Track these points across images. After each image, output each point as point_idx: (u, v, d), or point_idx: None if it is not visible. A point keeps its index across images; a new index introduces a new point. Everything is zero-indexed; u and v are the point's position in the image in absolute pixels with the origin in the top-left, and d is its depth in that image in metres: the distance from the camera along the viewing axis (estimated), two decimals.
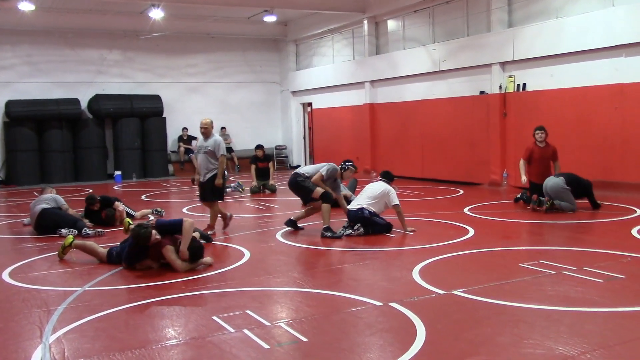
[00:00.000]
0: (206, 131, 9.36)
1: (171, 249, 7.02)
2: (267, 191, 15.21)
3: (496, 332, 4.75)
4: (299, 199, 10.23)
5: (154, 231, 7.03)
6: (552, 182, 10.63)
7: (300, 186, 9.29)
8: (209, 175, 9.32)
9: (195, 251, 7.13)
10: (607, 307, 5.28)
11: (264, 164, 15.46)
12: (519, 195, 11.62)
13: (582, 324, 4.90)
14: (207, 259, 7.33)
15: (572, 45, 13.09)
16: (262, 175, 15.40)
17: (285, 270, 7.09)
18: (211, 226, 9.42)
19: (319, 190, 9.06)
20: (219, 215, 9.56)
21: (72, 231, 9.64)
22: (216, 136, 9.43)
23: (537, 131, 11.30)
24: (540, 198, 10.66)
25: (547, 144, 11.30)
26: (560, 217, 10.16)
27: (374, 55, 19.24)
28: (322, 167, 9.35)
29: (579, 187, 10.67)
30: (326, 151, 21.62)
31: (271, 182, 15.40)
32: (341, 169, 9.56)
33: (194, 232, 7.44)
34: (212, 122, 9.53)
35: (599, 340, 4.50)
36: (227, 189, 12.07)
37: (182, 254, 7.01)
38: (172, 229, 7.23)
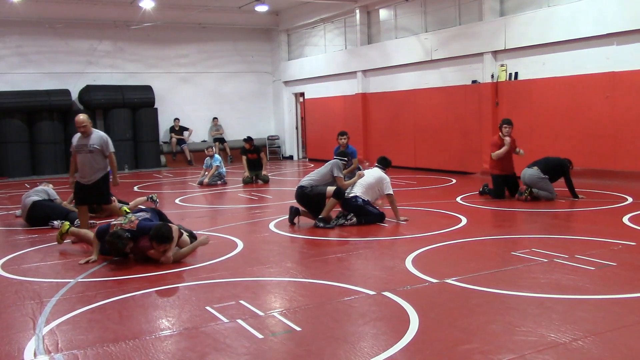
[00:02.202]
0: (86, 129, 8.40)
1: (155, 254, 7.00)
2: (260, 181, 15.20)
3: (489, 320, 4.78)
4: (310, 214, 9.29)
5: (130, 243, 6.97)
6: (528, 174, 10.64)
7: (310, 196, 9.07)
8: (98, 176, 8.49)
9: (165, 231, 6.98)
10: (599, 295, 5.32)
11: (253, 155, 15.43)
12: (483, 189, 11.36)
13: (574, 311, 4.94)
14: (202, 238, 7.35)
15: (563, 33, 13.11)
16: (254, 166, 15.40)
17: (279, 261, 7.10)
18: None
19: (331, 189, 8.98)
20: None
21: (63, 222, 9.60)
22: (99, 132, 8.64)
23: (505, 125, 11.15)
24: (519, 189, 10.82)
25: (511, 137, 11.24)
26: (552, 206, 10.21)
27: (366, 44, 19.19)
28: (332, 170, 9.21)
29: (555, 169, 10.70)
30: (318, 141, 21.62)
31: (264, 172, 15.39)
32: (347, 163, 9.59)
33: (184, 234, 7.50)
34: (88, 118, 8.54)
35: (590, 327, 4.54)
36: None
37: (167, 259, 6.96)
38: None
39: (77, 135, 8.52)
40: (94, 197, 8.65)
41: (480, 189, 11.43)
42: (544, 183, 10.55)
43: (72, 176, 8.72)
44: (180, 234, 7.29)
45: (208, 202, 12.77)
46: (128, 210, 8.82)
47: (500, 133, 11.21)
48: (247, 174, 15.25)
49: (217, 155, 15.49)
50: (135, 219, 7.19)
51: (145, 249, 7.00)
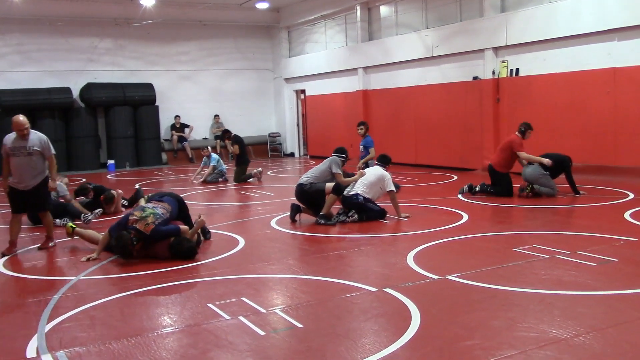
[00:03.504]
0: (27, 131, 7.60)
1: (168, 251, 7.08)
2: (250, 179, 14.90)
3: (490, 316, 4.78)
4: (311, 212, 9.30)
5: (134, 249, 6.97)
6: (529, 170, 10.64)
7: (309, 194, 9.08)
8: (38, 181, 7.67)
9: (187, 252, 7.02)
10: (600, 290, 5.32)
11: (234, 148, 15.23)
12: (478, 188, 11.09)
13: (575, 307, 4.94)
14: (198, 220, 7.54)
15: (564, 29, 13.08)
16: (239, 161, 15.13)
17: (280, 257, 7.10)
18: (51, 237, 8.02)
19: (330, 185, 8.98)
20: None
21: (65, 220, 9.60)
22: (38, 133, 7.79)
23: (530, 130, 10.96)
24: (520, 186, 10.78)
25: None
26: (553, 202, 10.21)
27: (366, 41, 19.17)
28: (331, 167, 9.19)
29: (556, 165, 10.62)
30: (320, 138, 21.62)
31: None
32: (345, 160, 9.54)
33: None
34: (27, 119, 7.72)
35: (591, 323, 4.54)
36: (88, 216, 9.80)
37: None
38: (167, 237, 7.09)
39: (12, 136, 7.64)
40: (32, 204, 7.83)
41: (476, 188, 11.08)
42: (545, 179, 10.55)
43: (6, 179, 7.80)
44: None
45: (209, 200, 12.77)
46: (74, 226, 8.00)
47: (519, 135, 10.91)
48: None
49: (214, 155, 15.37)
50: (152, 222, 6.97)
51: (162, 256, 7.02)
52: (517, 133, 11.06)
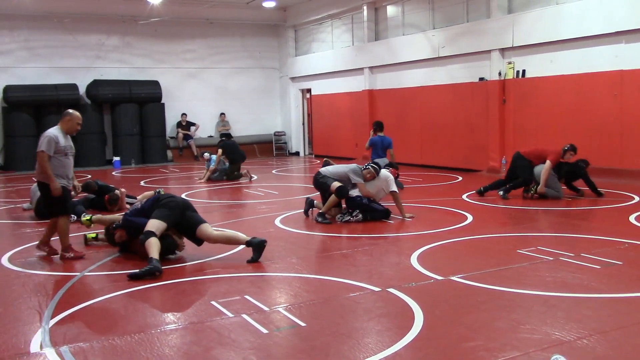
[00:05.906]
0: None
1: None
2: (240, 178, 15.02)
3: (493, 318, 4.78)
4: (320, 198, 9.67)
5: (117, 234, 7.23)
6: (537, 169, 10.63)
7: (319, 183, 9.38)
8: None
9: (168, 246, 6.92)
10: (604, 293, 5.31)
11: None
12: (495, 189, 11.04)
13: (579, 309, 4.93)
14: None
15: (571, 31, 13.05)
16: (230, 161, 15.19)
17: (284, 256, 7.11)
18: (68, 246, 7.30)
19: (335, 184, 9.07)
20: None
21: (72, 217, 9.63)
22: None
23: (572, 152, 10.69)
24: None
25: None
26: (558, 204, 10.18)
27: (373, 41, 19.16)
28: (350, 177, 9.15)
29: (568, 174, 10.61)
30: (325, 137, 21.62)
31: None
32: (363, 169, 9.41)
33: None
34: None
35: (595, 325, 4.53)
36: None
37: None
38: (137, 228, 6.95)
39: (61, 134, 7.05)
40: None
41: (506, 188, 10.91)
42: (551, 181, 10.52)
43: (72, 180, 7.33)
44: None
45: (214, 198, 12.79)
46: (89, 218, 8.05)
47: (561, 152, 10.62)
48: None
49: (213, 156, 15.41)
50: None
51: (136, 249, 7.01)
52: (562, 148, 10.71)
